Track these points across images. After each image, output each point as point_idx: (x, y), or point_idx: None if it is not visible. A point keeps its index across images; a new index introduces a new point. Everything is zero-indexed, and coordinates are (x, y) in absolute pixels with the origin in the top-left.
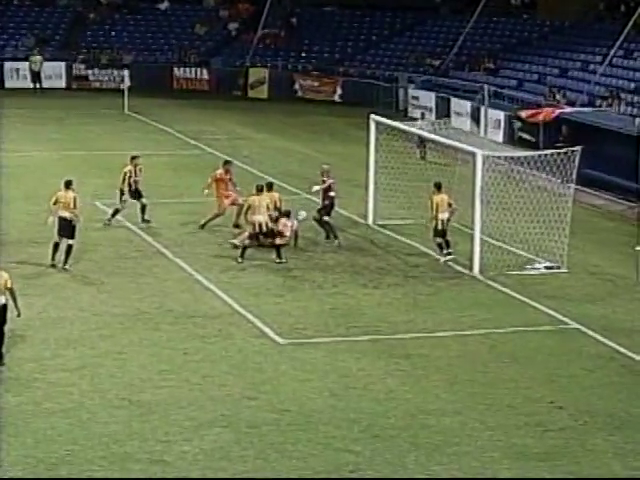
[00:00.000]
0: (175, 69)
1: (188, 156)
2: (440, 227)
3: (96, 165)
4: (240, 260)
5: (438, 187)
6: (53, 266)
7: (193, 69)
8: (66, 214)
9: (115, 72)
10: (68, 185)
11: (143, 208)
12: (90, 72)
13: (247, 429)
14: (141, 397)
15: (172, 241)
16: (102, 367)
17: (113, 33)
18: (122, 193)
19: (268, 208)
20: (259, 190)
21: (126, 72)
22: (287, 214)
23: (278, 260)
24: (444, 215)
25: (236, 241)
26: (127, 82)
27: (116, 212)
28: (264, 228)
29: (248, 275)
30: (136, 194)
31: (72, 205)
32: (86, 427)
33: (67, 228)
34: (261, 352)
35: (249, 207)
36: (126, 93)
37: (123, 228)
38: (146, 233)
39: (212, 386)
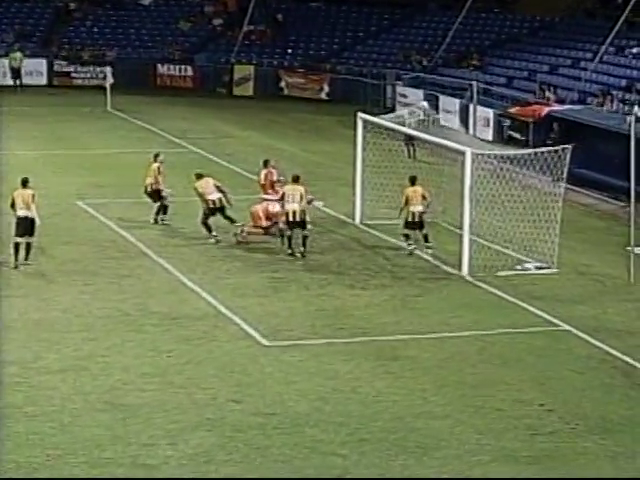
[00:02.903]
0: (159, 66)
1: (172, 154)
2: (411, 219)
3: (78, 164)
4: (290, 251)
5: (412, 181)
6: (16, 267)
7: (177, 66)
8: (26, 213)
9: (97, 69)
10: (25, 183)
11: (163, 209)
12: (72, 69)
13: (232, 433)
14: (124, 400)
15: (155, 241)
16: (85, 370)
17: (95, 29)
18: (156, 190)
19: (302, 198)
20: (295, 180)
21: (109, 69)
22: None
23: (302, 250)
24: (417, 208)
25: (240, 236)
26: (110, 79)
27: (165, 209)
28: (297, 217)
29: (233, 276)
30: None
31: (31, 201)
32: (68, 431)
33: (28, 226)
34: (246, 354)
35: (283, 195)
36: (109, 90)
37: (106, 227)
38: (129, 233)
39: (196, 389)
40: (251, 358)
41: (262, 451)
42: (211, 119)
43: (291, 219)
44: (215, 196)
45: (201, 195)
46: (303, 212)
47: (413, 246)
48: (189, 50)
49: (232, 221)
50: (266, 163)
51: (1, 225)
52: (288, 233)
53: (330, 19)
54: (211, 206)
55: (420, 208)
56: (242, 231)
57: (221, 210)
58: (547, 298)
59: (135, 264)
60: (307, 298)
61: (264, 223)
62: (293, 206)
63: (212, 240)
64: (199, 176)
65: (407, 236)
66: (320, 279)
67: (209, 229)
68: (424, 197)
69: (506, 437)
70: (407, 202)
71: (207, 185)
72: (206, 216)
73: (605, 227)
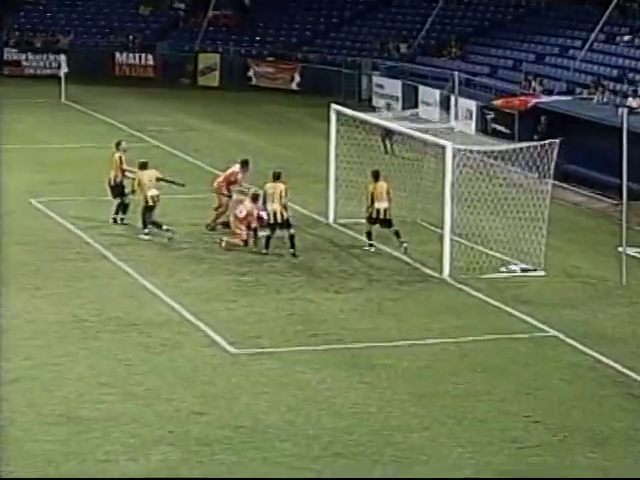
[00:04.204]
0: (117, 54)
1: (133, 149)
2: (375, 215)
3: (31, 159)
4: (266, 251)
5: (375, 176)
6: None
7: (137, 54)
8: None
9: (51, 57)
10: None
11: (122, 208)
12: (23, 57)
13: (196, 447)
14: (79, 413)
15: (115, 242)
16: (37, 380)
17: (48, 14)
18: (119, 184)
19: (281, 196)
20: (276, 178)
21: (63, 57)
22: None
23: (292, 251)
24: (382, 204)
25: (226, 239)
26: (64, 68)
27: (125, 207)
28: (278, 218)
29: (198, 279)
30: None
31: None
32: (19, 446)
33: None
34: (212, 363)
35: (264, 195)
36: (63, 80)
37: (62, 227)
38: (86, 234)
39: (158, 400)
40: (217, 367)
41: (229, 467)
42: (174, 111)
43: (272, 220)
44: (154, 192)
45: (142, 187)
46: (284, 210)
47: (373, 249)
48: (150, 37)
49: (146, 224)
50: (244, 164)
51: None
52: (267, 233)
53: (301, 4)
54: (150, 203)
55: (385, 204)
56: (221, 240)
57: (153, 208)
58: (534, 302)
59: (92, 266)
60: (277, 303)
61: (244, 235)
62: (274, 206)
63: (168, 234)
64: (143, 166)
65: (369, 234)
66: (291, 282)
67: (159, 226)
68: (388, 194)
69: (490, 450)
70: (372, 198)
71: (150, 178)
72: (150, 214)
73: (595, 226)
